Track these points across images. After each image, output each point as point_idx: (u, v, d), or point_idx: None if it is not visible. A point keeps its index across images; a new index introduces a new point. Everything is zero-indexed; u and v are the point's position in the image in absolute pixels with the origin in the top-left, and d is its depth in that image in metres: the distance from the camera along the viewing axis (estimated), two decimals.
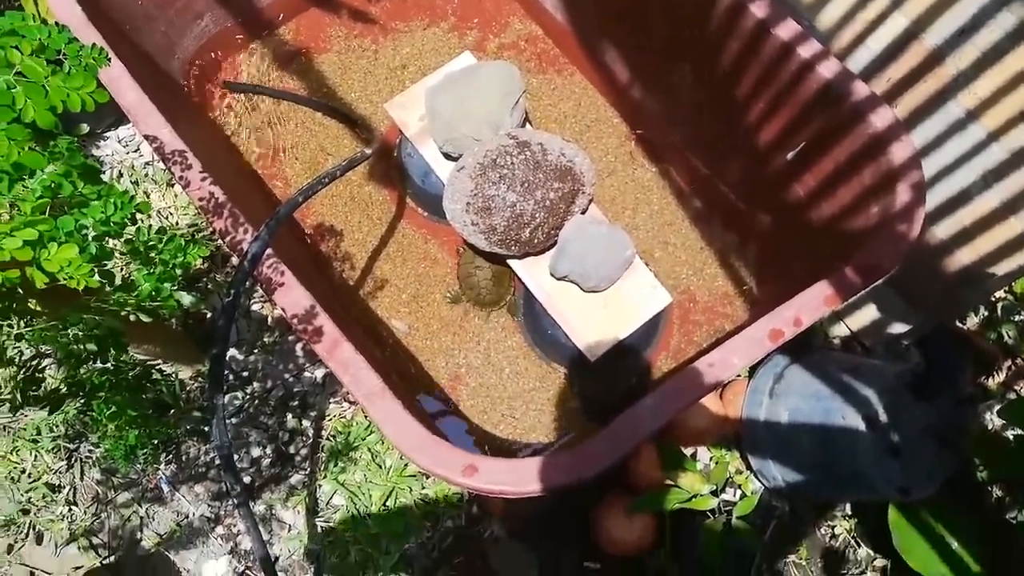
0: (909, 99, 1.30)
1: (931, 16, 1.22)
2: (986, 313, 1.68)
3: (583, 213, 1.47)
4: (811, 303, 1.05)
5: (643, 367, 1.53)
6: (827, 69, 1.19)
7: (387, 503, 1.48)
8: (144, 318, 0.84)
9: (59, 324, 0.80)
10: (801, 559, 1.50)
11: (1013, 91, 1.16)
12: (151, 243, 0.82)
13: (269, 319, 1.62)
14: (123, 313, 0.82)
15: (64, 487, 1.52)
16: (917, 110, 1.30)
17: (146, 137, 1.12)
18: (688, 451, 1.54)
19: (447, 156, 1.54)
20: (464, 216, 1.38)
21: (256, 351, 1.60)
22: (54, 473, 1.52)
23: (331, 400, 1.57)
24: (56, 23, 0.77)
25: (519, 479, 0.93)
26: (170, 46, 1.60)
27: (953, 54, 1.22)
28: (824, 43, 1.30)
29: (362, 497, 1.49)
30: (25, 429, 1.52)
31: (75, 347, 0.82)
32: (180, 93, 1.64)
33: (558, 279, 1.46)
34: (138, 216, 0.81)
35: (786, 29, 1.21)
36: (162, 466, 1.52)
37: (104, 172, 1.76)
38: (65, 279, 0.64)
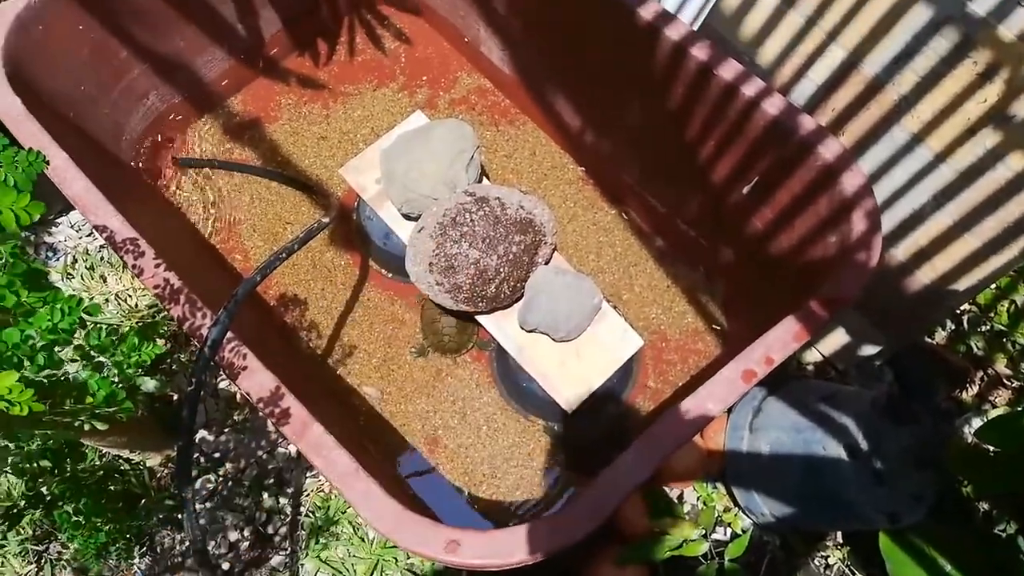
0: (855, 127, 1.33)
1: (867, 46, 1.25)
2: (953, 327, 1.70)
3: (547, 263, 1.46)
4: (780, 341, 1.05)
5: (622, 412, 1.51)
6: (772, 106, 1.21)
7: None
8: (100, 426, 0.81)
9: (9, 440, 0.77)
10: None
11: (955, 112, 1.19)
12: (103, 346, 0.79)
13: (237, 396, 1.58)
14: (77, 423, 0.79)
15: None
16: (864, 137, 1.33)
17: (96, 227, 1.10)
18: (674, 492, 1.52)
19: (406, 216, 1.53)
20: (428, 276, 1.37)
21: (226, 431, 1.55)
22: None
23: (308, 474, 1.53)
24: None
25: (504, 550, 0.90)
26: (117, 128, 1.58)
27: (893, 81, 1.24)
28: (766, 78, 1.33)
29: (346, 573, 1.44)
30: None
31: (28, 464, 0.79)
32: (130, 174, 1.62)
33: (528, 331, 1.45)
34: (88, 317, 0.78)
35: (728, 69, 1.23)
36: (136, 560, 1.46)
37: (58, 259, 1.72)
38: (6, 407, 0.61)
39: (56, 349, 0.76)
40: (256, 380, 1.00)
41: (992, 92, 1.14)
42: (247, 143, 1.75)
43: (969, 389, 1.63)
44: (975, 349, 1.66)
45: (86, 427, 0.80)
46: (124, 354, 0.81)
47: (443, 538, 0.90)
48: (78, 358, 0.80)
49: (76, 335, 0.78)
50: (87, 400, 0.83)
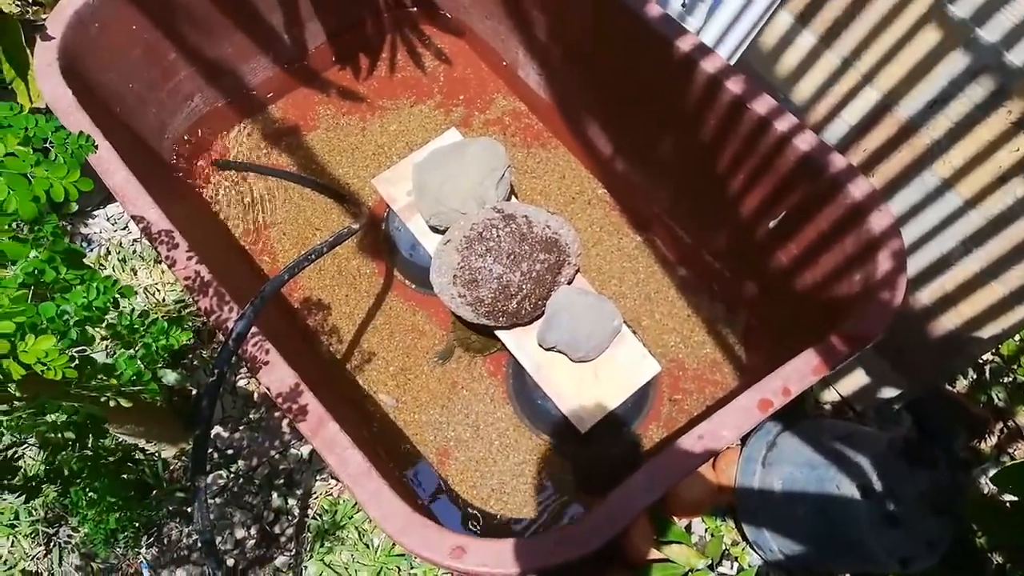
0: (886, 169, 1.33)
1: (902, 89, 1.26)
2: (975, 376, 1.68)
3: (569, 283, 1.47)
4: (799, 372, 1.05)
5: (634, 437, 1.51)
6: (804, 142, 1.22)
7: None
8: (124, 403, 0.83)
9: (37, 411, 0.79)
10: None
11: (987, 160, 1.19)
12: (133, 327, 0.82)
13: (255, 395, 1.60)
14: (103, 399, 0.81)
15: (42, 574, 1.47)
16: (894, 179, 1.33)
17: (133, 217, 1.13)
18: (682, 523, 1.51)
19: (434, 229, 1.55)
20: (451, 288, 1.38)
21: (241, 428, 1.57)
22: (31, 559, 1.47)
23: (318, 477, 1.54)
24: (44, 111, 0.79)
25: (509, 561, 0.90)
26: (161, 126, 1.62)
27: (926, 125, 1.25)
28: (800, 116, 1.34)
29: None
30: (2, 513, 1.48)
31: (53, 435, 0.81)
32: (169, 172, 1.66)
33: (547, 350, 1.45)
34: (121, 299, 0.80)
35: (762, 104, 1.24)
36: (143, 549, 1.47)
37: (92, 250, 1.76)
38: (42, 370, 0.63)
39: (88, 327, 0.78)
40: (276, 375, 1.02)
41: None
42: (284, 149, 1.79)
43: (988, 440, 1.61)
44: (996, 400, 1.63)
45: (111, 403, 0.82)
46: (153, 337, 0.83)
47: (449, 544, 0.91)
48: (107, 336, 0.82)
49: (108, 315, 0.80)
50: (113, 380, 0.85)
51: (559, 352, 1.45)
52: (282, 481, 1.53)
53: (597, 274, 1.66)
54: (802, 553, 1.37)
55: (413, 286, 1.65)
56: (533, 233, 1.38)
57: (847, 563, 1.39)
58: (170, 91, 1.61)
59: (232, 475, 1.53)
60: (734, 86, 1.27)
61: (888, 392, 1.51)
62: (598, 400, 1.42)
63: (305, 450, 1.56)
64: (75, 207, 1.77)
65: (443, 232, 1.53)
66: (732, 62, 1.52)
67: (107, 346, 1.44)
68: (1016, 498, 1.24)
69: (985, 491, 1.56)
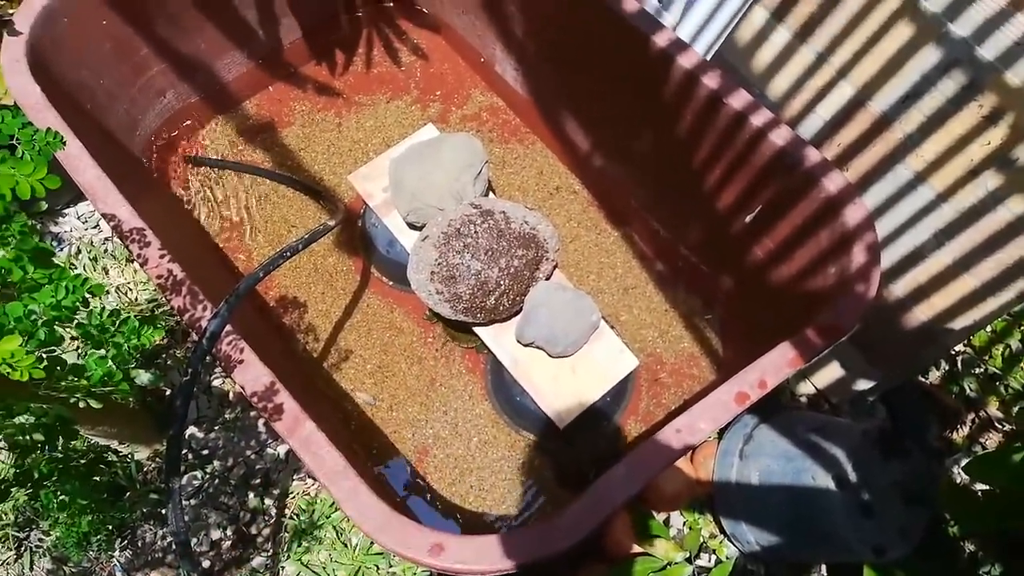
0: (860, 163, 1.35)
1: (876, 84, 1.27)
2: (947, 367, 1.70)
3: (547, 279, 1.47)
4: (775, 365, 1.05)
5: (613, 432, 1.51)
6: (779, 136, 1.22)
7: None
8: (95, 404, 0.82)
9: (5, 413, 0.77)
10: None
11: (958, 153, 1.21)
12: (103, 326, 0.80)
13: (231, 395, 1.58)
14: (72, 400, 0.80)
15: None
16: (868, 173, 1.34)
17: (104, 215, 1.11)
18: (661, 516, 1.52)
19: (411, 226, 1.54)
20: (429, 285, 1.38)
21: (217, 428, 1.55)
22: (1, 564, 1.44)
23: (294, 477, 1.52)
24: (12, 107, 0.77)
25: (489, 557, 0.90)
26: (132, 123, 1.60)
27: (899, 119, 1.26)
28: (775, 112, 1.35)
29: None
30: None
31: (21, 437, 0.79)
32: (141, 169, 1.64)
33: (525, 345, 1.45)
34: (91, 298, 0.79)
35: (738, 99, 1.25)
36: (116, 553, 1.45)
37: (62, 249, 1.73)
38: (8, 371, 0.62)
39: (57, 326, 0.77)
40: (251, 374, 1.01)
41: (996, 135, 1.15)
42: (259, 146, 1.77)
43: (960, 430, 1.63)
44: (968, 391, 1.66)
45: (81, 404, 0.80)
46: (124, 336, 0.81)
47: (428, 541, 0.90)
48: (78, 336, 0.80)
49: (78, 314, 0.79)
50: (83, 381, 0.84)
51: (537, 348, 1.44)
52: (258, 481, 1.52)
53: (575, 269, 1.66)
54: (779, 544, 1.38)
55: (390, 283, 1.64)
56: (511, 229, 1.37)
57: (823, 553, 1.40)
58: (142, 87, 1.58)
59: (207, 476, 1.52)
60: (710, 81, 1.27)
61: (862, 384, 1.53)
62: (576, 395, 1.43)
63: (282, 450, 1.55)
64: (45, 206, 1.74)
65: (420, 228, 1.52)
66: (708, 57, 1.52)
67: (78, 346, 1.42)
68: (988, 487, 1.25)
69: (957, 480, 1.58)
